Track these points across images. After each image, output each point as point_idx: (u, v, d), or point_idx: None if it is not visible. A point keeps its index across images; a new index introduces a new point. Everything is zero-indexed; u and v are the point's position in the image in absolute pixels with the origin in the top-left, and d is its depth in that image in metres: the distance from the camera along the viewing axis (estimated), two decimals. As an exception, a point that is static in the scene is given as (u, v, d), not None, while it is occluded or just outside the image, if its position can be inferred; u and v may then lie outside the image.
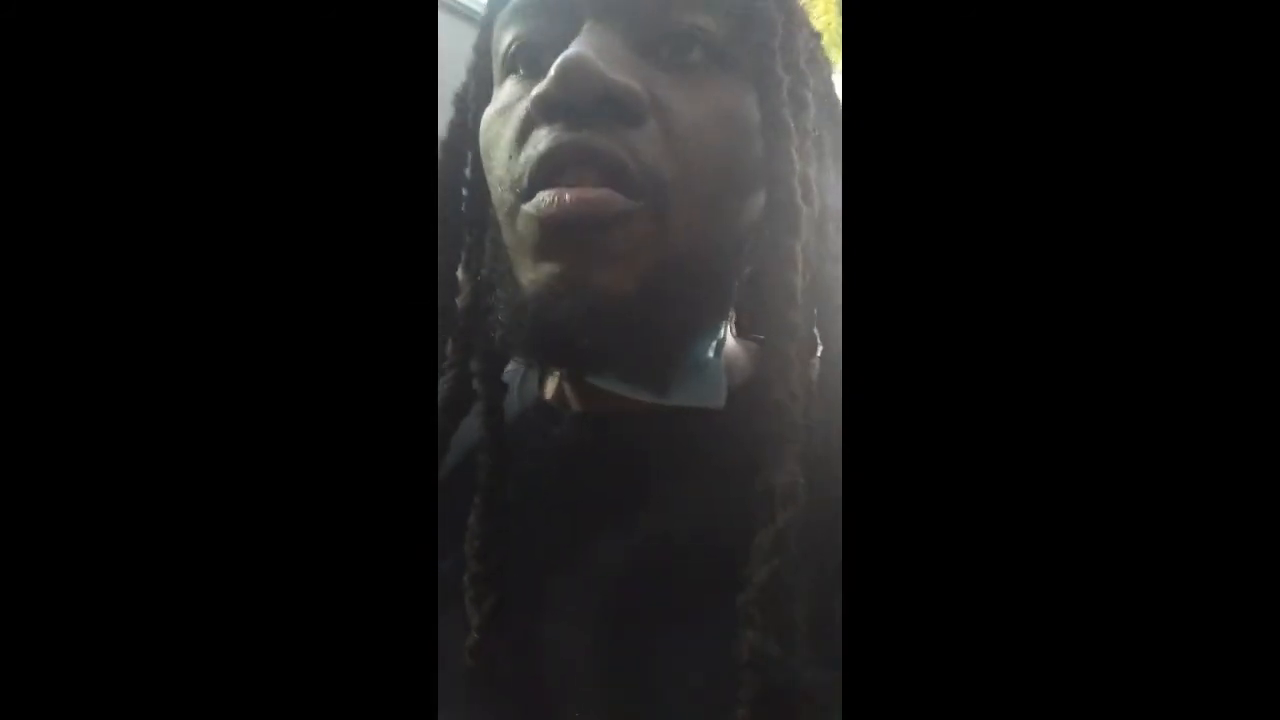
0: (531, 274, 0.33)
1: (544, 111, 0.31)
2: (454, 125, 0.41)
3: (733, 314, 0.40)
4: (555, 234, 0.31)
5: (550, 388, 0.43)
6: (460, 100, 0.41)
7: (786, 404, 0.31)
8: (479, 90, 0.39)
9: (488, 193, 0.37)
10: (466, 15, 1.27)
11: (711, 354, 0.39)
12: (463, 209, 0.40)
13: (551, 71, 0.30)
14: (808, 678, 0.28)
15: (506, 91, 0.35)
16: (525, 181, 0.32)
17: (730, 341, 0.41)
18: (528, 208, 0.32)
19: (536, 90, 0.31)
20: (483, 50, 0.39)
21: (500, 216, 0.35)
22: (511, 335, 0.34)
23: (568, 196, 0.31)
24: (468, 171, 0.40)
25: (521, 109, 0.33)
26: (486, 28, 0.39)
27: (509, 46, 0.35)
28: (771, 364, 0.32)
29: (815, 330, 0.35)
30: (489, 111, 0.36)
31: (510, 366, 0.42)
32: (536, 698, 0.34)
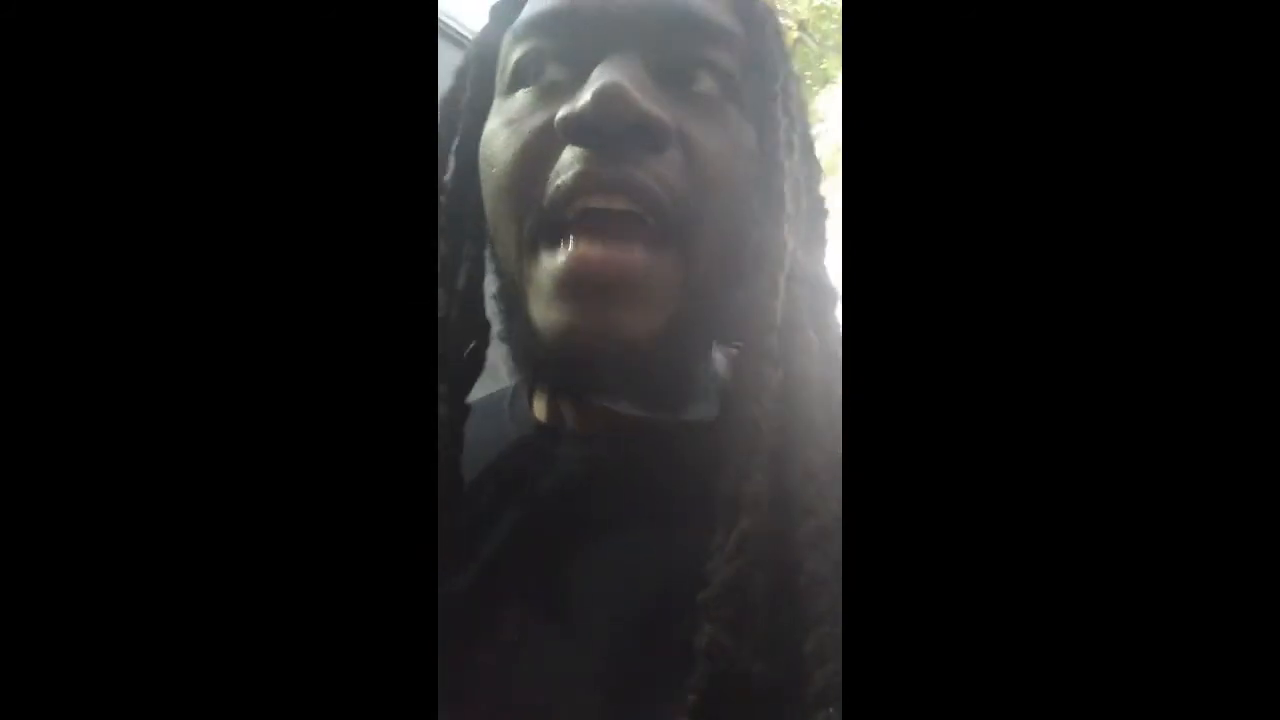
0: (549, 317, 0.33)
1: (573, 133, 0.32)
2: (441, 130, 0.40)
3: None
4: (578, 285, 0.32)
5: (542, 408, 0.43)
6: (449, 107, 0.41)
7: (759, 420, 0.32)
8: (475, 98, 0.39)
9: (476, 202, 0.37)
10: (454, 39, 1.28)
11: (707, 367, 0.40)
12: (442, 220, 0.39)
13: (587, 96, 0.31)
14: (755, 671, 0.29)
15: (517, 105, 0.35)
16: (547, 205, 0.32)
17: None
18: (550, 261, 0.32)
19: (568, 110, 0.31)
20: (484, 59, 0.39)
21: (508, 238, 0.35)
22: (536, 367, 0.35)
23: (596, 256, 0.31)
24: (447, 178, 0.40)
25: (536, 123, 0.34)
26: (491, 37, 0.39)
27: (521, 59, 0.36)
28: (748, 382, 0.33)
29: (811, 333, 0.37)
30: (494, 123, 0.36)
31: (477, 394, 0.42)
32: (537, 712, 0.34)
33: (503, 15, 0.39)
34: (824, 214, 0.41)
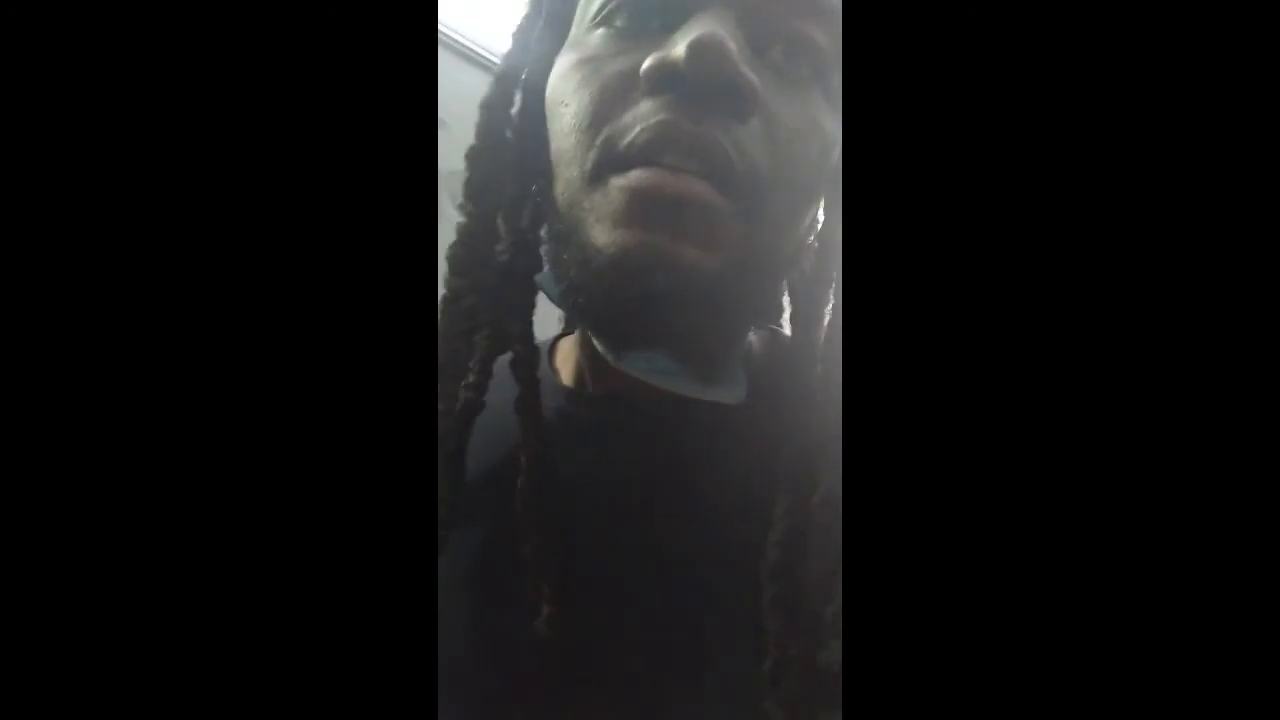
0: (610, 238, 0.31)
1: (660, 81, 0.30)
2: (510, 60, 0.38)
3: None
4: (645, 207, 0.30)
5: (566, 372, 0.43)
6: (521, 36, 0.38)
7: (794, 409, 0.32)
8: (548, 31, 0.37)
9: (542, 140, 0.35)
10: (460, 53, 1.28)
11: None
12: (509, 156, 0.38)
13: (684, 46, 0.29)
14: (823, 660, 0.29)
15: (595, 43, 0.34)
16: (622, 148, 0.31)
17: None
18: (620, 181, 0.31)
19: (660, 56, 0.30)
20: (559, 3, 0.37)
21: (570, 173, 0.33)
22: (584, 299, 0.33)
23: (668, 180, 0.30)
24: (514, 112, 0.38)
25: (619, 67, 0.32)
26: None
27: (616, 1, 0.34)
28: (797, 364, 0.33)
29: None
30: (569, 59, 0.34)
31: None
32: (570, 677, 0.35)
33: None
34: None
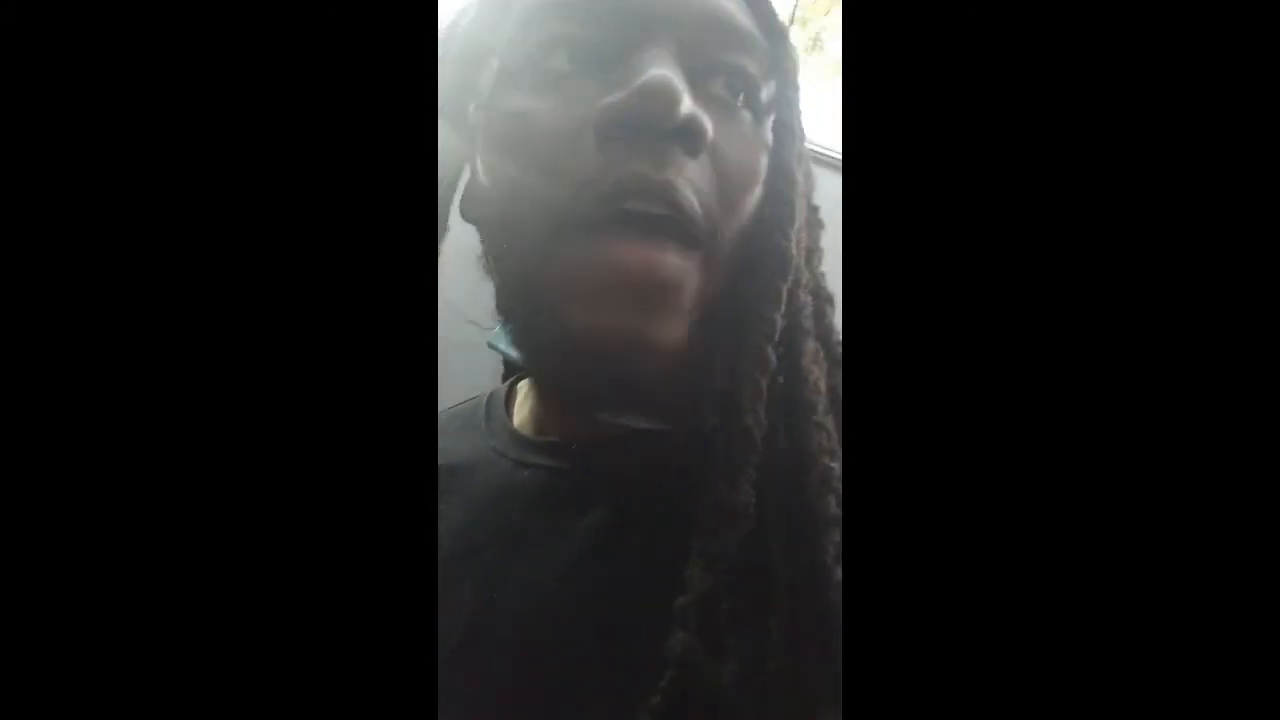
0: (581, 320, 0.31)
1: (614, 124, 0.30)
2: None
3: None
4: (618, 287, 0.31)
5: (524, 418, 0.42)
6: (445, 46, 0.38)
7: (752, 431, 0.32)
8: (463, 75, 0.36)
9: (485, 185, 0.35)
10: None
11: None
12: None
13: (633, 87, 0.30)
14: (724, 681, 0.28)
15: (531, 94, 0.33)
16: (585, 203, 0.31)
17: None
18: (588, 251, 0.31)
19: (610, 101, 0.30)
20: (476, 37, 0.36)
21: (528, 237, 0.33)
22: (555, 374, 0.34)
23: (636, 256, 0.30)
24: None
25: (568, 117, 0.32)
26: (500, 8, 0.36)
27: (544, 43, 0.33)
28: (744, 391, 0.32)
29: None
30: (516, 103, 0.34)
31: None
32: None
33: None
34: (820, 224, 0.40)
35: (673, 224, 0.31)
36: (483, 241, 0.37)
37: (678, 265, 0.31)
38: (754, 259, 0.35)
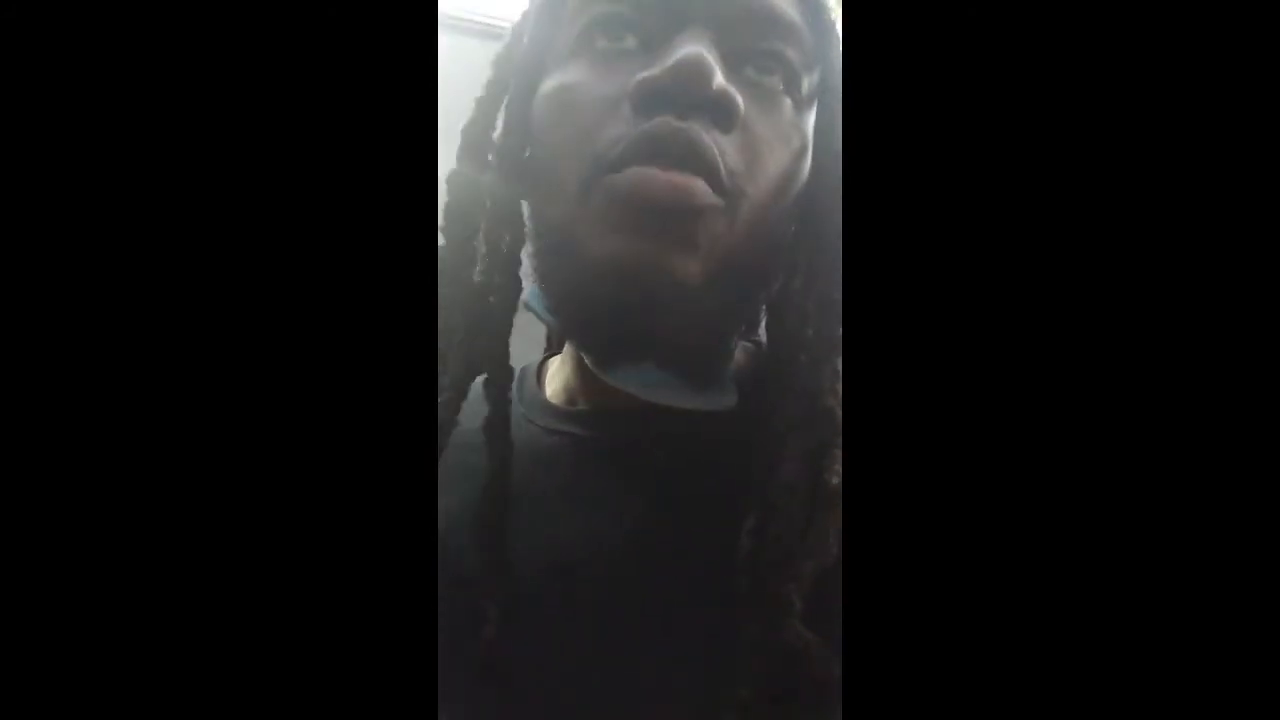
0: (603, 247, 0.32)
1: (649, 97, 0.32)
2: (492, 85, 0.39)
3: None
4: (640, 211, 0.32)
5: (553, 385, 0.44)
6: (502, 63, 0.39)
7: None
8: (531, 54, 0.38)
9: (523, 163, 0.37)
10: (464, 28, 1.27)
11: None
12: (491, 179, 0.38)
13: (669, 62, 0.31)
14: (830, 669, 0.30)
15: (577, 68, 0.35)
16: (617, 154, 0.32)
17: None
18: (617, 178, 0.32)
19: (647, 74, 0.32)
20: (545, 14, 0.38)
21: (562, 189, 0.34)
22: (575, 308, 0.35)
23: (664, 177, 0.31)
24: (496, 135, 0.39)
25: (604, 89, 0.33)
26: (553, 4, 0.38)
27: (592, 22, 0.35)
28: (792, 369, 0.34)
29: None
30: (552, 84, 0.36)
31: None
32: (544, 691, 0.35)
33: None
34: (838, 205, 0.40)
35: (700, 163, 0.32)
36: (531, 212, 0.38)
37: (704, 193, 0.32)
38: (785, 244, 0.36)
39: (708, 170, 0.32)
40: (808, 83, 0.36)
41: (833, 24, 0.37)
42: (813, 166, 0.36)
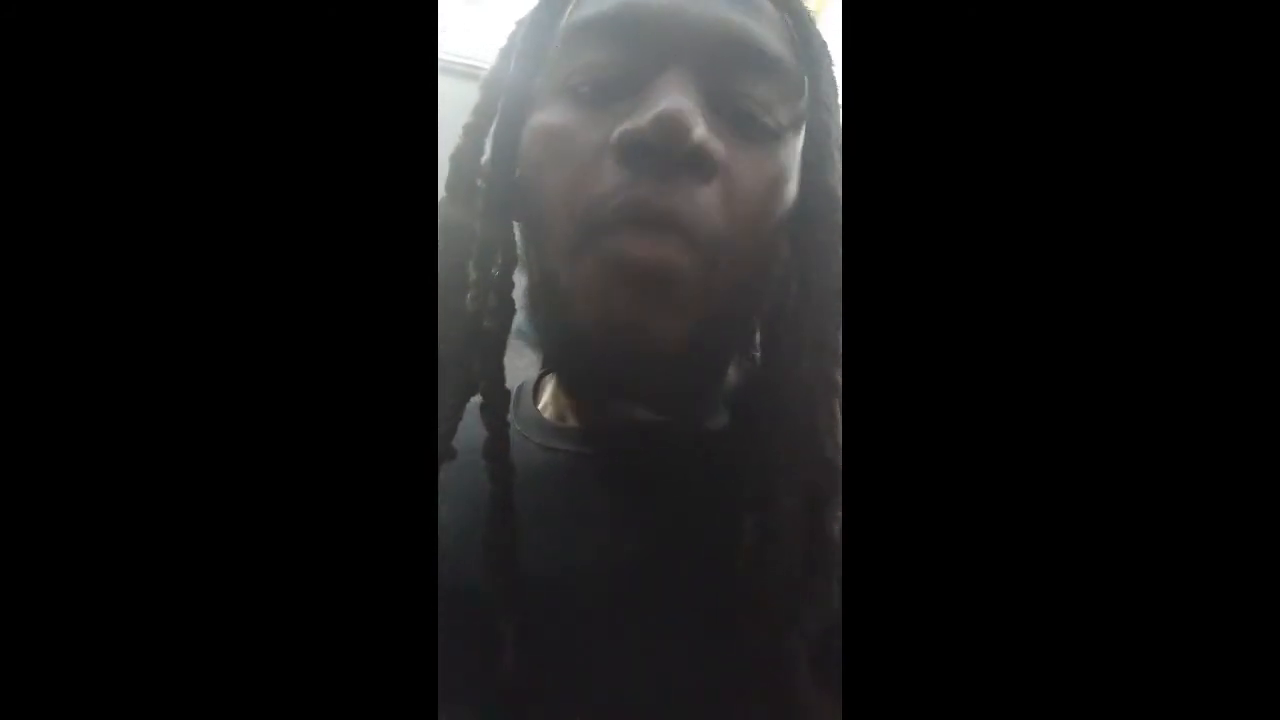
0: (590, 312, 0.33)
1: (630, 151, 0.33)
2: (479, 111, 0.39)
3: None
4: (621, 280, 0.32)
5: (552, 407, 0.45)
6: (490, 88, 0.40)
7: (774, 431, 0.34)
8: (518, 82, 0.38)
9: (513, 189, 0.37)
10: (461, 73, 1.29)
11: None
12: (480, 204, 0.39)
13: (650, 117, 0.32)
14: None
15: (565, 110, 0.36)
16: (601, 218, 0.33)
17: None
18: (603, 243, 0.33)
19: (628, 128, 0.32)
20: (531, 45, 0.38)
21: (551, 242, 0.35)
22: (565, 361, 0.37)
23: (641, 247, 0.32)
24: (484, 161, 0.39)
25: (590, 137, 0.34)
26: (542, 18, 0.38)
27: (576, 60, 0.36)
28: (792, 389, 0.34)
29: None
30: (541, 120, 0.36)
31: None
32: (546, 706, 0.35)
33: (555, 4, 0.38)
34: (837, 226, 0.41)
35: (679, 226, 0.32)
36: (521, 239, 0.39)
37: (677, 255, 0.32)
38: (776, 269, 0.36)
39: (687, 231, 0.32)
40: (793, 111, 0.36)
41: (824, 54, 0.38)
42: (804, 182, 0.36)
